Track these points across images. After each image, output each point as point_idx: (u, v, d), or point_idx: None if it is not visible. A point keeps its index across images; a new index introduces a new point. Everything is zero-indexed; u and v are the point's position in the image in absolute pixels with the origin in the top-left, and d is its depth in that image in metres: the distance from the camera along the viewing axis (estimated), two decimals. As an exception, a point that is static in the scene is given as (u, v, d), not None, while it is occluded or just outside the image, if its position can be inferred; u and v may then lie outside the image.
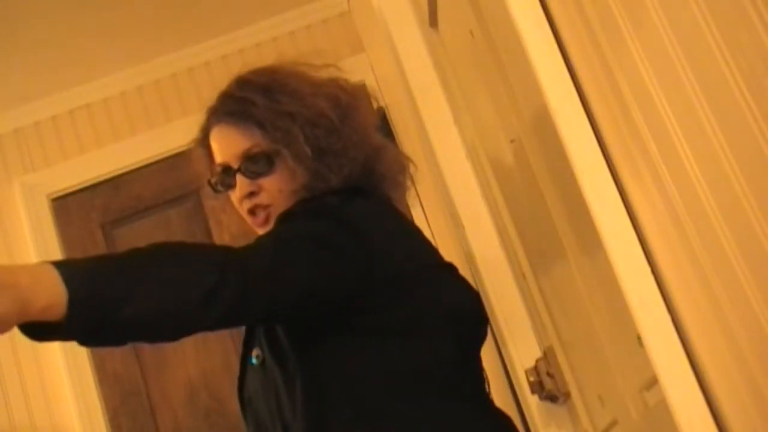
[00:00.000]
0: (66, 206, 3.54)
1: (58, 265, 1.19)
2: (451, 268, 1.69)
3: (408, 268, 1.60)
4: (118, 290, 1.23)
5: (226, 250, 1.42)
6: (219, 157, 1.75)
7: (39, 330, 1.18)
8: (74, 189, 3.55)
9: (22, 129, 3.56)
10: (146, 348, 3.34)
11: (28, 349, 3.31)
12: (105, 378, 3.37)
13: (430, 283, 1.62)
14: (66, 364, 3.30)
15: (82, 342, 1.25)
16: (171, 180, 3.50)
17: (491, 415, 1.62)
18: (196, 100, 3.41)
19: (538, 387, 2.13)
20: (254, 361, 1.63)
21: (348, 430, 1.52)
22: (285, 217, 1.62)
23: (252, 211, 1.72)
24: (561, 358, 2.09)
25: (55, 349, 3.27)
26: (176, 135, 3.39)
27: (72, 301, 1.17)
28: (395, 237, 1.64)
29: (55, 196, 3.53)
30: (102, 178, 3.55)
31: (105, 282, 1.23)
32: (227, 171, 1.74)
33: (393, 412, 1.52)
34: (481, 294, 1.96)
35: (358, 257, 1.53)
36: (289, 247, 1.48)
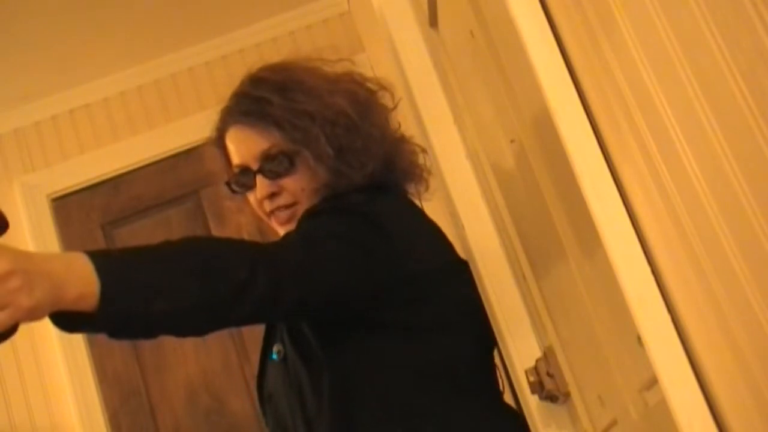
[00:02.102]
0: (66, 206, 3.54)
1: (91, 255, 1.19)
2: (466, 264, 1.70)
3: (432, 266, 1.61)
4: (150, 282, 1.23)
5: (256, 245, 1.41)
6: (237, 159, 1.73)
7: (70, 320, 1.18)
8: (74, 189, 3.55)
9: (22, 129, 3.56)
10: (146, 348, 3.34)
11: (28, 349, 3.31)
12: (105, 378, 3.37)
13: (452, 280, 1.63)
14: (66, 364, 3.30)
15: (112, 334, 1.24)
16: (171, 180, 3.50)
17: (508, 412, 1.64)
18: (196, 100, 3.41)
19: (538, 387, 2.12)
20: (275, 356, 1.63)
21: (374, 425, 1.52)
22: (311, 215, 1.61)
23: (273, 212, 1.71)
24: (561, 358, 2.08)
25: (55, 349, 3.27)
26: (176, 135, 3.41)
27: (104, 291, 1.17)
28: (418, 234, 1.64)
29: (55, 196, 3.53)
30: (102, 178, 3.55)
31: (137, 273, 1.23)
32: (245, 172, 1.72)
33: (419, 408, 1.52)
34: (481, 294, 1.96)
35: (385, 255, 1.53)
36: (318, 245, 1.48)
